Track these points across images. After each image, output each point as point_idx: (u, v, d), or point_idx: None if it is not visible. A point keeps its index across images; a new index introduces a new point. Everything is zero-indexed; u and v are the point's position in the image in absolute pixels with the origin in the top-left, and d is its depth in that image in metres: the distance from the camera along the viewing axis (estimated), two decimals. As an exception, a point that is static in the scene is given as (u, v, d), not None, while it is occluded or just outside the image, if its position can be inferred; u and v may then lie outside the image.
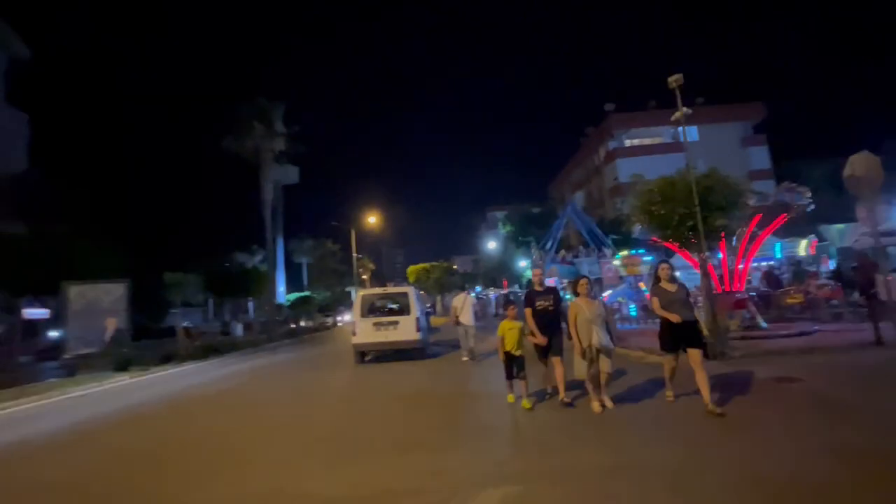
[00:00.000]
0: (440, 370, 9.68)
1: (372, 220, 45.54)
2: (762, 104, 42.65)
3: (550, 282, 25.92)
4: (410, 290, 11.71)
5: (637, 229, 13.21)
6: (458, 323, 11.01)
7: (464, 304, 10.97)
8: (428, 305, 35.16)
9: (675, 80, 8.19)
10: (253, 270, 37.47)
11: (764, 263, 20.93)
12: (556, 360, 5.74)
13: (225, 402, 8.04)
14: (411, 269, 45.56)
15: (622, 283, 20.50)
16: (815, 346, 8.26)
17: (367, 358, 12.07)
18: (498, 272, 28.51)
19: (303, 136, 25.92)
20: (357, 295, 11.69)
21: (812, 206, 11.34)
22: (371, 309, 11.64)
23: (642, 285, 19.12)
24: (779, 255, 19.59)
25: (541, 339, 5.67)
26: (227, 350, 16.95)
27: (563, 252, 29.04)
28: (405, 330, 11.18)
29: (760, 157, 42.65)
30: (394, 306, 11.75)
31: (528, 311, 5.87)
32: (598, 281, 25.95)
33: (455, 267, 49.38)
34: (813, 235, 19.73)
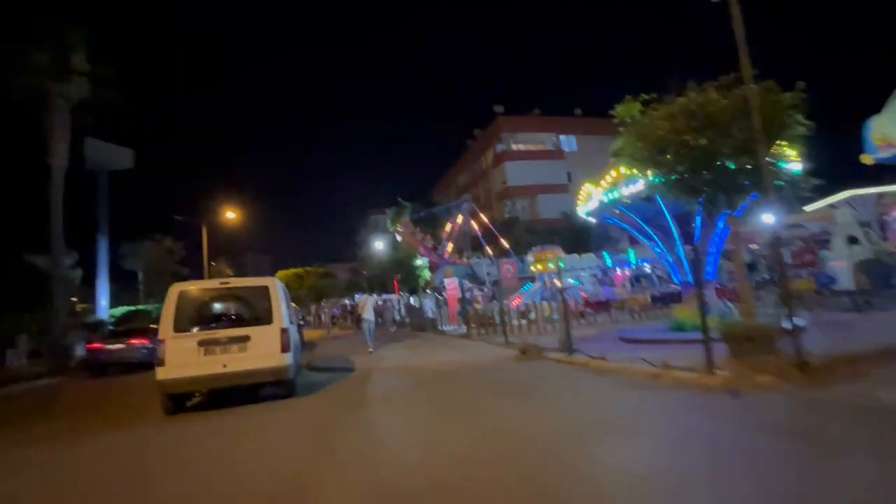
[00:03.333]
0: (330, 448, 4.34)
1: (231, 215, 37.78)
2: (629, 121, 46.14)
3: (450, 283, 22.83)
4: (272, 283, 7.08)
5: (586, 207, 10.42)
6: (360, 319, 13.23)
7: (365, 304, 13.34)
8: (301, 319, 29.40)
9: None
10: (47, 277, 27.22)
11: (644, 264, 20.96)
12: None
13: None
14: (280, 274, 38.89)
15: (537, 283, 18.14)
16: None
17: (190, 402, 7.07)
18: (389, 273, 24.51)
19: (119, 81, 18.75)
20: (170, 292, 6.65)
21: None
22: (198, 317, 6.70)
23: (558, 282, 16.92)
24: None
25: None
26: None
27: (466, 253, 26.26)
28: (262, 351, 6.55)
29: (627, 169, 45.90)
30: (241, 310, 6.98)
31: None
32: (496, 283, 23.74)
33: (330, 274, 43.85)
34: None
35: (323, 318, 38.40)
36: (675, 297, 11.34)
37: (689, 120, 5.11)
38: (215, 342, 6.45)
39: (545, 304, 14.64)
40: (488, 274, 25.62)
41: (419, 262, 22.60)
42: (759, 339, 5.15)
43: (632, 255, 18.24)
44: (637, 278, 16.33)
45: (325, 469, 3.71)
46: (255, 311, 6.88)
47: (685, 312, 8.96)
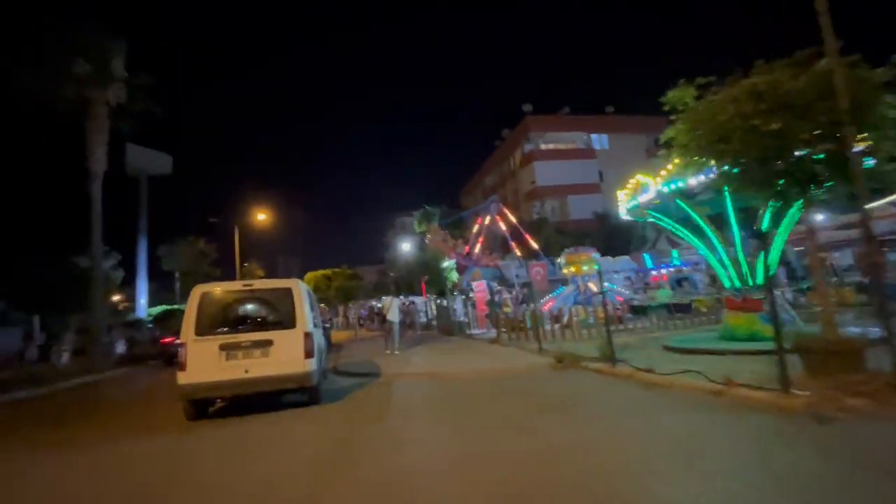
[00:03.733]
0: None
1: (262, 216, 38.44)
2: (664, 119, 44.34)
3: (478, 285, 22.31)
4: (296, 286, 6.77)
5: (624, 210, 9.78)
6: (385, 320, 13.27)
7: (391, 305, 13.22)
8: (327, 320, 29.40)
9: None
10: (89, 276, 28.32)
11: (670, 269, 19.79)
12: None
13: None
14: (309, 275, 39.15)
15: (570, 286, 17.37)
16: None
17: (213, 408, 6.85)
18: (416, 275, 24.20)
19: (158, 91, 19.15)
20: (192, 293, 6.44)
21: None
22: (220, 319, 6.46)
23: (593, 286, 16.12)
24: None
25: None
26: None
27: (495, 254, 25.63)
28: (284, 357, 6.26)
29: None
30: (263, 313, 6.70)
31: None
32: (526, 286, 23.00)
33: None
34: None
35: (350, 319, 38.56)
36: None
37: (756, 103, 4.46)
38: (237, 346, 6.19)
39: (579, 308, 13.94)
40: (517, 276, 24.97)
41: (446, 263, 22.16)
42: (845, 353, 4.44)
43: (675, 256, 17.20)
44: (678, 281, 15.32)
45: (343, 495, 3.29)
46: (278, 315, 6.60)
47: (738, 319, 8.18)
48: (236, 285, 6.87)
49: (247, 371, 6.12)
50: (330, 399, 7.02)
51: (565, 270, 16.84)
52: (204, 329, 6.22)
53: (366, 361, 11.55)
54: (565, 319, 12.45)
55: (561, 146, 43.60)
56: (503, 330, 13.44)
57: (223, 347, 6.14)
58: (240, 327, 6.38)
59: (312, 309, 7.69)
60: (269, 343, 6.27)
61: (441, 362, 10.21)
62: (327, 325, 14.86)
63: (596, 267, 16.45)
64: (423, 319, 25.15)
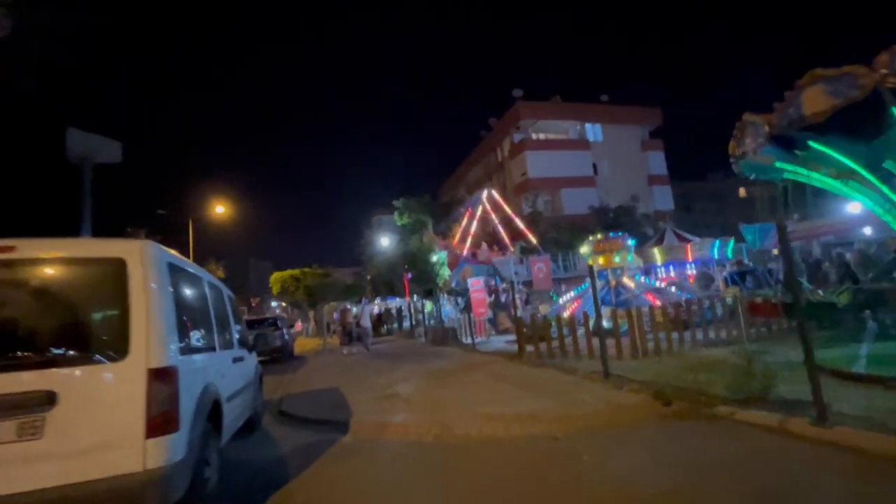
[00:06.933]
0: None
1: (220, 210, 33.76)
2: (659, 109, 42.02)
3: (475, 283, 18.61)
4: (137, 256, 2.83)
5: (749, 155, 6.25)
6: (358, 325, 15.54)
7: (362, 311, 15.58)
8: (295, 327, 25.02)
9: None
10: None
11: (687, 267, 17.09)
12: None
13: None
14: (275, 276, 34.71)
15: (598, 282, 13.77)
16: None
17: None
18: (398, 272, 20.29)
19: (65, 30, 14.72)
20: None
21: None
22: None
23: (629, 281, 12.59)
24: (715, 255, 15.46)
25: None
26: None
27: (482, 248, 22.01)
28: (87, 436, 2.36)
29: (657, 162, 41.84)
30: (35, 324, 2.74)
31: None
32: (528, 284, 19.63)
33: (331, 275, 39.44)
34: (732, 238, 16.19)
35: (320, 324, 34.25)
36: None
37: None
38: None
39: (618, 310, 10.37)
40: (516, 273, 21.47)
41: (435, 257, 18.40)
42: None
43: (731, 247, 14.05)
44: (741, 275, 12.03)
45: None
46: (81, 327, 2.69)
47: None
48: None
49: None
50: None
51: (591, 262, 13.29)
52: None
53: (330, 391, 7.64)
54: (622, 327, 8.76)
55: (553, 136, 40.50)
56: (531, 343, 9.72)
57: None
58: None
59: (214, 311, 3.78)
60: (45, 402, 2.37)
61: (448, 398, 6.34)
62: (277, 335, 10.71)
63: (629, 258, 13.00)
64: (407, 324, 21.28)
